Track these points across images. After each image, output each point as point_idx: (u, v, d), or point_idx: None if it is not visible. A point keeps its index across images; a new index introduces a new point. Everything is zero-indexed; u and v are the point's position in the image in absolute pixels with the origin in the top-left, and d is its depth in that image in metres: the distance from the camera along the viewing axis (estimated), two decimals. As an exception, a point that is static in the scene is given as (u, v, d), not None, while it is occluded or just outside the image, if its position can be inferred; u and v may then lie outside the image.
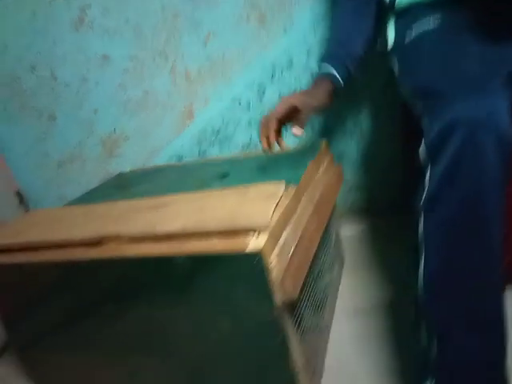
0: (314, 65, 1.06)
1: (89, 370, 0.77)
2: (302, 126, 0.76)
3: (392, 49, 0.77)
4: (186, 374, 0.69)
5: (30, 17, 1.10)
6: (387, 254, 1.07)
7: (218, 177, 0.88)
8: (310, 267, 0.67)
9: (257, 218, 0.59)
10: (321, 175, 0.85)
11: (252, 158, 0.98)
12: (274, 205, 0.62)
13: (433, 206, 0.53)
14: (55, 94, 1.18)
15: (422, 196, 0.55)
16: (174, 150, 1.22)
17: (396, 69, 0.75)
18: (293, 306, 0.62)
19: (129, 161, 1.24)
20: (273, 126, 0.75)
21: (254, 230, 0.57)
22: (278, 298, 0.56)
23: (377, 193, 1.20)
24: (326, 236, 0.90)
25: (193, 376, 0.68)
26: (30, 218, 0.83)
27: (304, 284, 0.65)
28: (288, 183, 0.70)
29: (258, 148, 1.17)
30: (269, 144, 0.76)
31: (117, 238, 0.64)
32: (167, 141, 1.21)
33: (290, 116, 0.76)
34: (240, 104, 1.13)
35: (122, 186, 1.00)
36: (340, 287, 0.99)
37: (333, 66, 0.84)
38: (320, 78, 0.83)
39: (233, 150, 1.19)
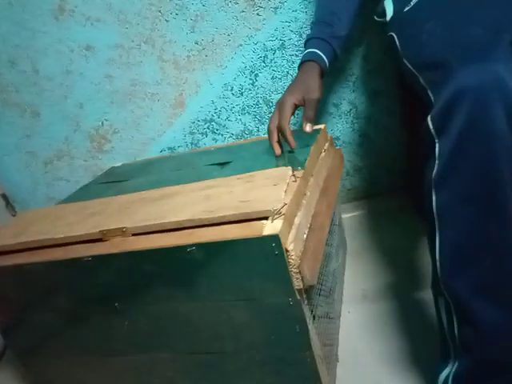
0: (306, 46, 1.04)
1: (96, 370, 0.74)
2: (312, 123, 0.77)
3: (391, 19, 0.75)
4: (202, 366, 0.67)
5: (5, 7, 1.04)
6: (389, 237, 1.06)
7: (218, 166, 0.85)
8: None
9: (269, 202, 0.57)
10: (323, 158, 0.83)
11: (249, 146, 0.96)
12: (285, 189, 0.60)
13: (446, 178, 0.51)
14: (38, 88, 1.12)
15: (432, 171, 0.53)
16: (166, 142, 1.18)
17: (396, 41, 0.73)
18: (307, 293, 0.60)
19: (119, 155, 1.19)
20: (287, 130, 0.75)
21: (268, 215, 0.55)
22: (297, 283, 0.54)
23: (376, 175, 1.18)
24: (332, 220, 0.88)
25: (208, 368, 0.66)
26: (25, 218, 0.79)
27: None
28: (293, 167, 0.69)
29: (254, 135, 1.15)
30: (281, 149, 0.79)
31: (121, 232, 0.61)
32: (158, 132, 1.17)
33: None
34: (232, 90, 1.10)
35: (116, 181, 0.96)
36: (345, 273, 0.97)
37: (319, 48, 0.82)
38: (308, 63, 0.81)
39: (226, 140, 1.16)
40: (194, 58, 1.07)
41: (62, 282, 0.66)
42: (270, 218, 0.55)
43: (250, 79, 1.08)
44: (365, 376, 0.70)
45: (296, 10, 1.01)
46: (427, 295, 0.82)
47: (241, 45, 1.05)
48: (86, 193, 0.92)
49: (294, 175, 0.66)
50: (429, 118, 0.52)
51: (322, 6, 0.86)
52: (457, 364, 0.55)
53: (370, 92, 1.09)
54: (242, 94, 1.10)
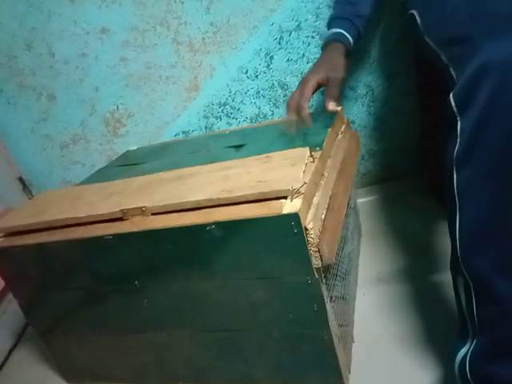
0: (323, 26, 1.02)
1: (115, 347, 0.76)
2: (337, 101, 0.76)
3: None
4: (219, 343, 0.68)
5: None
6: (403, 221, 1.05)
7: (233, 148, 0.85)
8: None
9: (287, 181, 0.57)
10: (340, 141, 0.83)
11: (264, 129, 0.95)
12: (303, 168, 0.60)
13: (468, 156, 0.50)
14: (54, 71, 1.13)
15: (453, 149, 0.52)
16: (180, 126, 1.18)
17: (417, 18, 0.71)
18: (325, 273, 0.60)
19: (134, 139, 1.20)
20: (305, 109, 0.74)
21: (287, 194, 0.55)
22: (316, 261, 0.54)
23: (391, 159, 1.17)
24: (348, 204, 0.88)
25: (226, 345, 0.67)
26: (44, 198, 0.80)
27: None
28: (311, 148, 0.68)
29: (268, 119, 1.14)
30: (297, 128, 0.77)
31: (141, 211, 0.61)
32: (173, 116, 1.17)
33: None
34: (247, 73, 1.09)
35: (132, 164, 0.96)
36: (360, 256, 0.98)
37: (344, 28, 0.81)
38: (332, 42, 0.80)
39: (240, 124, 1.16)
40: (208, 40, 1.07)
41: (82, 261, 0.67)
42: (289, 198, 0.55)
43: (265, 62, 1.07)
44: (381, 356, 0.71)
45: (313, -10, 1.00)
46: (441, 277, 0.82)
47: (256, 26, 1.04)
48: (102, 175, 0.93)
49: (311, 156, 0.66)
50: (451, 96, 0.51)
51: None
52: (475, 343, 0.55)
53: (386, 74, 1.08)
54: (256, 76, 1.09)
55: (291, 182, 0.56)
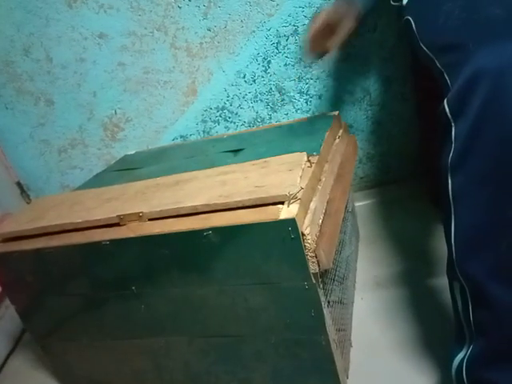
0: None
1: (113, 353, 0.75)
2: (331, 49, 0.76)
3: (408, 2, 0.74)
4: (217, 349, 0.67)
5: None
6: (401, 225, 1.06)
7: (231, 153, 0.86)
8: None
9: (285, 187, 0.57)
10: (338, 145, 0.83)
11: (262, 133, 0.96)
12: (300, 174, 0.60)
13: (462, 161, 0.51)
14: (52, 76, 1.13)
15: (448, 155, 0.52)
16: (178, 130, 1.18)
17: (412, 24, 0.72)
18: (322, 278, 0.60)
19: (132, 143, 1.20)
20: (307, 41, 0.75)
21: (284, 199, 0.55)
22: (313, 267, 0.54)
23: (388, 163, 1.18)
24: (346, 208, 0.88)
25: (224, 351, 0.67)
26: (41, 204, 0.80)
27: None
28: (308, 152, 0.68)
29: (266, 123, 1.14)
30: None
31: (138, 217, 0.61)
32: (170, 120, 1.17)
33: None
34: (245, 77, 1.09)
35: (130, 169, 0.97)
36: (358, 260, 0.98)
37: None
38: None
39: (238, 128, 1.16)
40: (206, 45, 1.07)
41: (80, 266, 0.67)
42: (286, 203, 0.55)
43: (263, 66, 1.07)
44: (378, 361, 0.71)
45: (309, -5, 1.00)
46: (439, 282, 0.82)
47: (254, 31, 1.04)
48: (100, 180, 0.93)
49: (309, 161, 0.66)
50: (445, 102, 0.51)
51: None
52: (471, 348, 0.55)
53: (383, 79, 1.08)
54: (254, 81, 1.09)
55: (288, 187, 0.56)
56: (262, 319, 0.61)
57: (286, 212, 0.53)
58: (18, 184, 1.25)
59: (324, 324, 0.58)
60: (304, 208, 0.56)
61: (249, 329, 0.62)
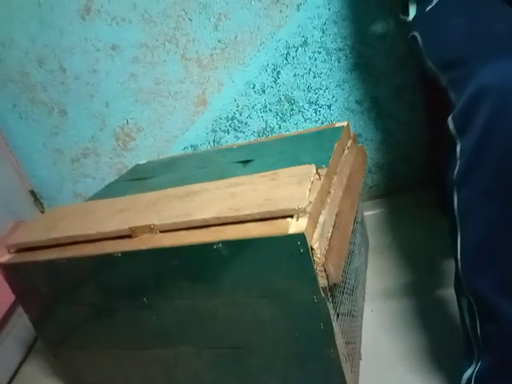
0: (329, 42, 1.03)
1: (123, 363, 0.76)
2: None
3: (414, 18, 0.74)
4: (226, 360, 0.68)
5: (35, 7, 1.07)
6: (411, 234, 1.05)
7: (241, 163, 0.86)
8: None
9: (294, 200, 0.57)
10: (347, 156, 0.83)
11: (271, 143, 0.96)
12: (309, 187, 0.61)
13: (468, 177, 0.51)
14: (65, 87, 1.16)
15: (453, 171, 0.52)
16: (189, 140, 1.19)
17: (418, 40, 0.72)
18: (331, 291, 0.60)
19: (143, 153, 1.22)
20: None
21: (293, 213, 0.56)
22: (322, 281, 0.54)
23: (398, 172, 1.17)
24: (355, 219, 0.88)
25: (233, 362, 0.68)
26: (54, 214, 0.81)
27: (342, 266, 0.63)
28: (317, 164, 0.69)
29: (275, 133, 1.15)
30: None
31: (149, 229, 0.62)
32: (181, 130, 1.18)
33: None
34: (254, 88, 1.10)
35: (141, 179, 0.98)
36: (367, 270, 0.97)
37: None
38: None
39: (248, 137, 1.17)
40: (216, 56, 1.08)
41: (91, 277, 0.68)
42: (295, 217, 0.56)
43: (272, 77, 1.08)
44: (388, 374, 0.70)
45: (319, 7, 1.01)
46: (449, 293, 0.81)
47: (263, 42, 1.05)
48: (112, 190, 0.94)
49: (318, 173, 0.67)
50: (449, 119, 0.52)
51: None
52: (480, 363, 0.55)
53: (393, 88, 1.08)
54: (263, 91, 1.10)
55: (297, 200, 0.57)
56: (271, 331, 0.61)
57: (295, 226, 0.54)
58: (32, 192, 1.28)
59: (333, 337, 0.58)
60: (313, 222, 0.56)
61: (257, 341, 0.63)
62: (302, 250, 0.52)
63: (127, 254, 0.62)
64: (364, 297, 0.89)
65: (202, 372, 0.71)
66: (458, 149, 0.50)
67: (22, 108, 1.20)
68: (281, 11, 1.02)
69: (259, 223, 0.58)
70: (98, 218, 0.71)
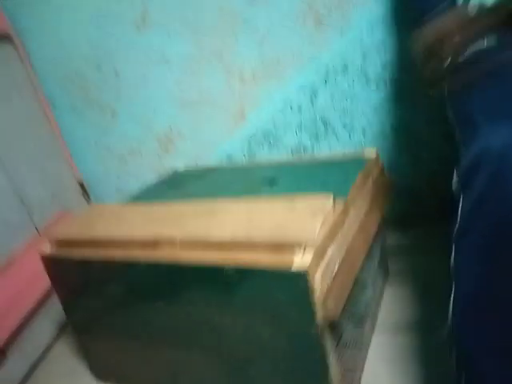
0: (369, 69, 1.04)
1: (137, 356, 0.84)
2: None
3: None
4: (228, 370, 0.73)
5: (96, 17, 1.17)
6: (434, 266, 1.03)
7: (267, 183, 0.90)
8: (353, 282, 0.68)
9: (303, 233, 0.60)
10: (370, 187, 0.84)
11: (301, 164, 0.99)
12: (321, 220, 0.63)
13: (464, 237, 0.52)
14: (118, 91, 1.25)
15: (454, 227, 0.54)
16: (225, 150, 1.25)
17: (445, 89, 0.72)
18: (334, 322, 0.63)
19: (182, 158, 1.29)
20: None
21: (300, 246, 0.59)
22: (320, 316, 0.57)
23: (426, 199, 1.16)
24: (372, 249, 0.89)
25: (234, 373, 0.72)
26: (94, 213, 0.90)
27: (346, 300, 0.65)
28: (336, 195, 0.70)
29: (309, 151, 1.18)
30: None
31: (171, 242, 0.68)
32: (218, 140, 1.24)
33: None
34: (291, 107, 1.13)
35: (176, 186, 1.05)
36: (382, 301, 0.98)
37: None
38: None
39: (281, 153, 1.21)
40: (258, 73, 1.12)
41: (116, 278, 0.76)
42: (302, 249, 0.59)
43: (310, 98, 1.11)
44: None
45: (362, 33, 1.02)
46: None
47: (304, 64, 1.08)
48: (148, 194, 1.02)
49: (334, 205, 0.69)
50: (455, 174, 0.53)
51: None
52: None
53: (428, 117, 1.07)
54: (300, 111, 1.13)
55: (306, 233, 0.60)
56: (269, 354, 0.65)
57: (299, 261, 0.57)
58: (81, 185, 1.39)
59: (329, 370, 0.61)
60: (318, 258, 0.59)
61: (256, 359, 0.67)
62: (303, 287, 0.55)
63: (149, 264, 0.69)
64: (374, 327, 0.90)
65: (205, 374, 0.76)
66: (460, 207, 0.51)
67: (78, 106, 1.31)
68: (324, 35, 1.04)
69: (269, 251, 0.61)
70: (130, 224, 0.78)
